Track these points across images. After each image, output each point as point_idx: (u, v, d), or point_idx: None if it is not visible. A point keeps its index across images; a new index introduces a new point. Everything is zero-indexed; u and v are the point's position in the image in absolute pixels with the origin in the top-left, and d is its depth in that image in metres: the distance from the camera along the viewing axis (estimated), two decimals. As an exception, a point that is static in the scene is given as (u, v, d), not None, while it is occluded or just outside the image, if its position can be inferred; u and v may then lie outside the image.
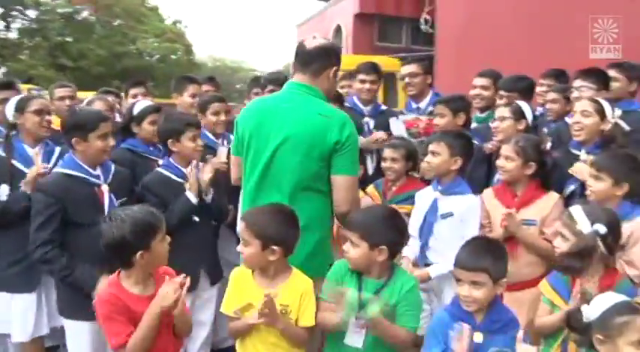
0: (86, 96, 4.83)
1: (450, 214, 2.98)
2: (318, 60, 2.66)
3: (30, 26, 25.71)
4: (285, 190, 2.58)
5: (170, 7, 64.18)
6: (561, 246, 2.32)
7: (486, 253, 2.19)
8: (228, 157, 3.44)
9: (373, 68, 4.55)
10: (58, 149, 3.34)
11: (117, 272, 2.25)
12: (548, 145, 3.52)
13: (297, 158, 2.57)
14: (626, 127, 3.20)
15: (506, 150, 3.00)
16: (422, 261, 3.08)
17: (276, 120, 2.62)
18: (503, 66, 4.72)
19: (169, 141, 3.20)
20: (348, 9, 18.52)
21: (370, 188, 3.57)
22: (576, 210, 2.32)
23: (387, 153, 3.51)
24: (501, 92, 3.97)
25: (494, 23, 7.43)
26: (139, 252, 2.13)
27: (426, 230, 3.05)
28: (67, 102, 4.22)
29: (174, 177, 3.21)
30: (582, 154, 3.14)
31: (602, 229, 2.22)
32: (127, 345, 2.11)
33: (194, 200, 3.11)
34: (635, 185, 2.64)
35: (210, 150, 3.61)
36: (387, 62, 11.24)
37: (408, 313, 2.29)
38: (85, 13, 26.58)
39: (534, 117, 3.71)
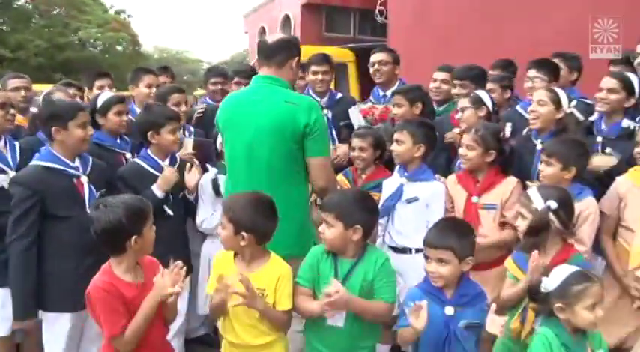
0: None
1: (415, 199, 3.14)
2: (280, 52, 2.86)
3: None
4: (264, 179, 2.76)
5: (111, -2, 61.76)
6: (521, 224, 2.53)
7: (452, 232, 2.35)
8: (194, 148, 3.58)
9: (325, 59, 4.62)
10: (17, 144, 3.29)
11: (108, 261, 2.28)
12: (508, 132, 3.72)
13: (271, 146, 2.76)
14: (580, 117, 3.44)
15: (467, 139, 3.14)
16: (389, 242, 3.24)
17: (246, 112, 2.83)
18: (451, 56, 4.91)
19: (149, 133, 3.25)
20: None
21: (339, 176, 3.65)
22: (532, 191, 2.55)
23: (355, 142, 3.58)
24: (455, 81, 4.17)
25: (444, 14, 7.66)
26: (134, 237, 2.17)
27: (384, 211, 3.19)
28: (23, 93, 4.15)
29: (150, 169, 3.26)
30: (538, 144, 3.34)
31: (553, 205, 2.44)
32: (125, 335, 2.16)
33: (160, 195, 3.16)
34: (581, 168, 2.87)
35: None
36: (338, 53, 11.36)
37: (385, 285, 2.43)
38: (21, 1, 25.53)
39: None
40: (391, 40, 8.53)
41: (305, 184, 2.90)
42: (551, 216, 2.44)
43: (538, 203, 2.48)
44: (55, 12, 26.03)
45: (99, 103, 3.48)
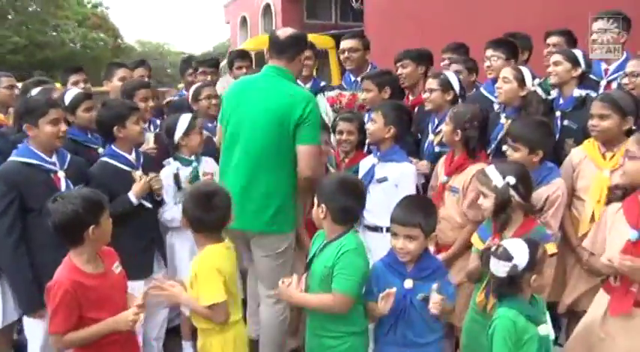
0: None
1: (385, 179, 3.25)
2: (291, 48, 3.16)
3: None
4: (253, 160, 3.06)
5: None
6: (484, 202, 2.59)
7: (419, 210, 2.46)
8: (156, 142, 3.67)
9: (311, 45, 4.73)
10: None
11: (68, 255, 2.34)
12: None
13: (264, 133, 3.05)
14: (543, 95, 3.54)
15: (445, 124, 3.21)
16: (363, 221, 3.32)
17: (253, 98, 3.14)
18: (426, 40, 4.98)
19: (115, 127, 3.24)
20: None
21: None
22: (489, 169, 2.61)
23: (343, 126, 3.62)
24: (396, 64, 4.27)
25: (423, 4, 7.69)
26: (91, 227, 2.24)
27: None
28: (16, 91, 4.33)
29: (120, 165, 3.27)
30: (502, 118, 3.49)
31: (512, 180, 2.51)
32: (65, 338, 2.25)
33: (135, 202, 3.20)
34: (547, 149, 2.93)
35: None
36: (318, 40, 11.35)
37: (339, 275, 2.39)
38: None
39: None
40: (367, 25, 8.57)
41: (286, 172, 3.07)
42: (511, 191, 2.51)
43: (497, 180, 2.54)
44: (31, 9, 25.59)
45: (67, 100, 3.50)
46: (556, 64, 3.52)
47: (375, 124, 3.31)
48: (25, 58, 23.89)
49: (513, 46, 3.97)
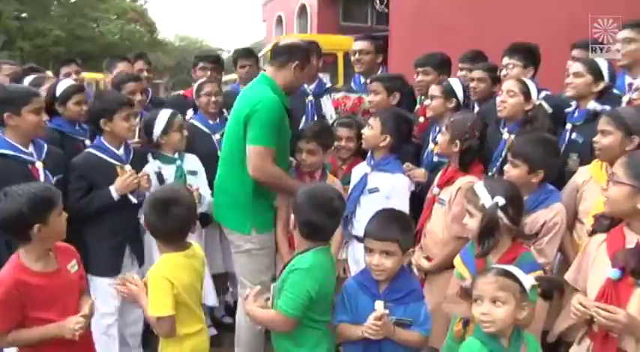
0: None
1: (376, 189, 3.06)
2: (283, 55, 3.12)
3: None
4: (222, 156, 3.23)
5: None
6: (469, 222, 2.34)
7: (395, 223, 2.27)
8: (140, 135, 3.56)
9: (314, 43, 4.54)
10: None
11: (16, 252, 2.23)
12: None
13: (229, 130, 3.15)
14: (549, 109, 3.27)
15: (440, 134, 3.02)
16: (353, 231, 3.18)
17: (236, 101, 3.18)
18: (451, 45, 4.74)
19: (102, 120, 3.16)
20: None
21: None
22: (478, 186, 2.36)
23: (342, 132, 3.42)
24: (417, 68, 4.01)
25: (444, 3, 7.46)
26: (37, 226, 2.12)
27: (351, 202, 3.13)
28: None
29: (106, 157, 3.18)
30: (504, 133, 3.20)
31: (501, 201, 2.24)
32: (8, 336, 2.15)
33: (116, 197, 3.09)
34: (550, 170, 2.65)
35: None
36: (349, 42, 11.17)
37: (285, 293, 2.25)
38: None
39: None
40: (392, 28, 8.32)
41: (240, 170, 3.02)
42: (500, 213, 2.25)
43: (485, 199, 2.28)
44: (73, 1, 26.23)
45: (58, 92, 3.43)
46: (576, 75, 3.16)
47: (371, 130, 3.14)
48: (65, 50, 24.50)
49: (532, 52, 3.66)
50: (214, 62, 4.64)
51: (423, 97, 4.01)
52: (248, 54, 4.90)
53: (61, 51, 24.03)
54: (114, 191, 3.08)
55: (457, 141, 2.83)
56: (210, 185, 3.41)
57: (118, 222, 3.16)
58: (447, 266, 2.67)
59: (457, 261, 2.45)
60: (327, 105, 4.10)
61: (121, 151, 3.22)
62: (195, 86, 4.09)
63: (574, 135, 3.15)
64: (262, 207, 3.08)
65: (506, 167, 2.68)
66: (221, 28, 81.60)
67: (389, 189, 3.04)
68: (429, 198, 2.99)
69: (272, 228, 3.11)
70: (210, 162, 3.46)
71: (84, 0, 26.16)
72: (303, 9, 19.40)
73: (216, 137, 3.86)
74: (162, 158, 3.40)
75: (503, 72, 3.67)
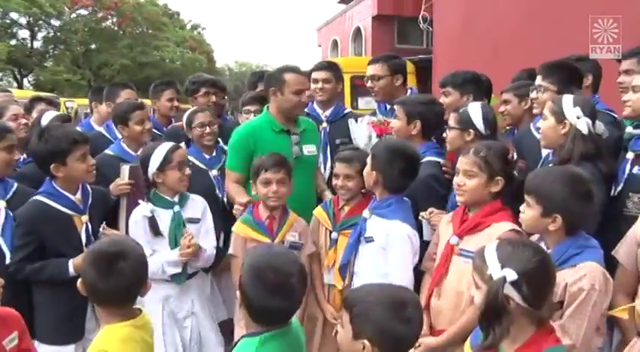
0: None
1: (371, 239, 2.57)
2: (265, 86, 3.40)
3: (55, 35, 26.07)
4: None
5: (190, 12, 64.85)
6: (475, 295, 1.75)
7: None
8: (131, 176, 3.08)
9: (327, 66, 4.13)
10: None
11: None
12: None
13: None
14: (598, 130, 2.59)
15: (465, 163, 2.40)
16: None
17: None
18: (501, 65, 4.31)
19: (52, 166, 2.68)
20: (367, 11, 18.33)
21: (318, 210, 3.03)
22: (489, 250, 1.73)
23: (339, 168, 2.87)
24: (444, 89, 3.44)
25: (492, 21, 6.95)
26: None
27: (346, 252, 2.69)
28: None
29: (59, 207, 2.70)
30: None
31: (511, 275, 1.63)
32: None
33: (72, 274, 2.62)
34: (572, 216, 2.01)
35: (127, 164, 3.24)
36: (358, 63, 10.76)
37: None
38: (108, 22, 26.85)
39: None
40: (436, 48, 7.88)
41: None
42: (510, 290, 1.64)
43: (493, 268, 1.68)
44: (137, 31, 27.18)
45: (43, 122, 3.30)
46: (636, 90, 2.57)
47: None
48: (128, 77, 25.37)
49: (570, 73, 3.02)
50: (215, 86, 4.22)
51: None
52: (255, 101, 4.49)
53: (124, 78, 24.95)
54: (71, 266, 2.63)
55: (497, 178, 2.35)
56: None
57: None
58: (463, 339, 2.05)
59: (466, 347, 1.87)
60: (359, 128, 3.52)
61: (77, 197, 2.76)
62: (185, 116, 3.63)
63: (636, 169, 2.52)
64: None
65: (522, 207, 2.12)
66: (278, 54, 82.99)
67: (383, 239, 2.52)
68: (444, 251, 2.43)
69: None
70: (209, 203, 3.12)
71: (147, 30, 27.03)
72: (357, 32, 19.28)
73: (213, 173, 3.49)
74: (158, 200, 2.95)
75: (533, 94, 3.08)
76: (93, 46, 26.37)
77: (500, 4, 6.81)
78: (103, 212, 2.89)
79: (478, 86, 3.42)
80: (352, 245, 2.65)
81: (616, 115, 3.03)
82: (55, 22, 25.79)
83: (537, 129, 2.98)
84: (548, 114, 2.58)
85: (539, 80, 3.04)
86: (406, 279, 2.43)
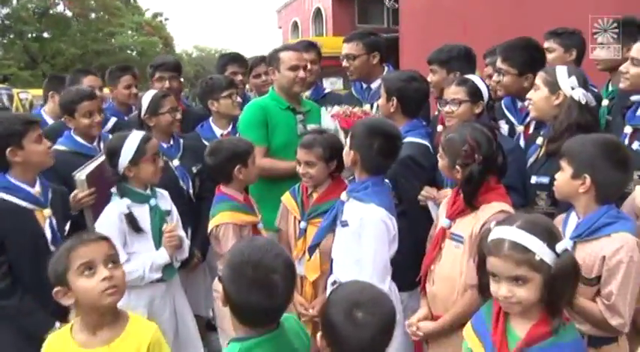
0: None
1: (346, 224, 2.40)
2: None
3: (3, 24, 25.00)
4: None
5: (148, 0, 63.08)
6: (519, 292, 1.56)
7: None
8: (90, 183, 2.76)
9: (311, 46, 3.99)
10: None
11: None
12: (504, 130, 2.95)
13: None
14: (589, 101, 2.46)
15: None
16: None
17: None
18: (471, 42, 4.17)
19: (8, 150, 2.39)
20: None
21: (286, 196, 2.87)
22: (524, 235, 1.56)
23: (300, 155, 2.72)
24: (430, 66, 3.30)
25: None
26: None
27: (318, 233, 2.55)
28: None
29: (18, 201, 2.41)
30: (538, 139, 2.58)
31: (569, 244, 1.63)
32: None
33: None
34: (601, 178, 1.91)
35: (84, 158, 2.96)
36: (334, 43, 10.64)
37: None
38: (59, 8, 25.93)
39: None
40: (403, 25, 7.72)
41: None
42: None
43: (541, 249, 1.54)
44: (91, 17, 26.30)
45: None
46: (635, 62, 2.47)
47: (344, 150, 2.49)
48: (82, 66, 24.51)
49: (532, 54, 2.89)
50: (174, 70, 3.94)
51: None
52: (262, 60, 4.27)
53: (78, 67, 24.05)
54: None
55: (457, 167, 2.17)
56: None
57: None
58: (461, 325, 1.94)
59: (467, 330, 1.77)
60: (326, 118, 3.25)
61: (36, 189, 2.48)
62: (147, 101, 3.22)
63: (636, 144, 2.42)
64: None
65: (557, 174, 2.05)
66: (238, 38, 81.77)
67: (357, 224, 2.33)
68: (437, 233, 2.31)
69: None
70: (172, 197, 2.87)
71: (98, 16, 26.13)
72: (318, 13, 19.23)
73: (174, 163, 3.22)
74: (132, 195, 2.65)
75: (495, 77, 3.00)
76: (45, 35, 25.41)
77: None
78: (63, 211, 2.63)
79: (466, 62, 3.26)
80: (325, 227, 2.49)
81: (596, 89, 2.98)
82: (3, 10, 24.72)
83: (507, 107, 2.99)
84: (541, 85, 2.47)
85: (499, 62, 2.93)
86: (378, 269, 2.28)
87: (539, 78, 2.50)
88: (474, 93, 2.67)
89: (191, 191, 3.25)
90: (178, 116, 3.27)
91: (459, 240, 2.16)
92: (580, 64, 3.19)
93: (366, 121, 2.55)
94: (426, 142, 2.84)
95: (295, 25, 21.17)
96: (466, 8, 6.69)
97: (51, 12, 25.53)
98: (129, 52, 27.12)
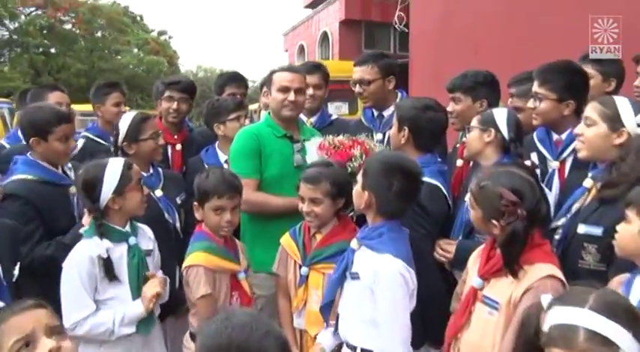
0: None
1: (357, 276, 2.06)
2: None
3: (10, 38, 24.97)
4: None
5: (155, 18, 63.92)
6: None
7: None
8: None
9: (316, 68, 3.65)
10: None
11: None
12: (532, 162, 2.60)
13: None
14: None
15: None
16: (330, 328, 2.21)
17: None
18: (483, 65, 3.89)
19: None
20: (334, 15, 18.31)
21: (285, 239, 2.54)
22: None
23: (304, 190, 2.38)
24: (452, 94, 2.97)
25: (472, 19, 6.59)
26: None
27: (329, 289, 2.19)
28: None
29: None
30: (586, 181, 2.17)
31: None
32: None
33: None
34: None
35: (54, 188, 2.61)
36: (343, 67, 10.42)
37: None
38: (67, 25, 25.93)
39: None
40: (413, 49, 7.47)
41: None
42: None
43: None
44: (97, 34, 26.29)
45: None
46: None
47: (355, 189, 2.15)
48: (87, 82, 24.42)
49: (573, 79, 2.58)
50: (187, 91, 3.60)
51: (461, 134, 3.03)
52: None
53: (82, 83, 23.99)
54: None
55: (494, 222, 1.80)
56: (164, 263, 2.51)
57: None
58: None
59: None
60: (313, 151, 2.85)
61: None
62: (122, 124, 2.86)
63: None
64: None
65: (618, 226, 1.70)
66: (244, 59, 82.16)
67: (370, 278, 2.00)
68: (466, 294, 1.93)
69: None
70: (157, 231, 2.53)
71: (107, 33, 26.09)
72: (325, 37, 19.25)
73: (157, 194, 2.86)
74: (110, 233, 2.26)
75: (529, 103, 2.64)
76: (52, 50, 25.38)
77: (482, 4, 6.47)
78: (11, 251, 2.20)
79: (492, 89, 2.95)
80: (336, 281, 2.12)
81: None
82: (11, 25, 24.71)
83: (540, 139, 2.62)
84: (598, 119, 2.10)
85: (535, 86, 2.59)
86: (398, 331, 1.95)
87: (594, 110, 2.12)
88: (487, 121, 2.44)
89: (177, 225, 2.89)
90: (161, 142, 2.92)
91: (493, 305, 1.79)
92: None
93: (381, 157, 2.21)
94: (436, 182, 2.49)
95: (302, 49, 21.15)
96: (477, 29, 6.47)
97: (58, 27, 25.50)
98: (134, 69, 27.08)
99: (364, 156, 2.56)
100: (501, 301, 1.76)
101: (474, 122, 2.49)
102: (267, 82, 3.06)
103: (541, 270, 1.71)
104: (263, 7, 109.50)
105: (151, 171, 2.92)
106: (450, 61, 6.20)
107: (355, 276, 2.04)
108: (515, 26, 5.97)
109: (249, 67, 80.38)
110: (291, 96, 2.90)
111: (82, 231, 2.32)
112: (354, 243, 2.10)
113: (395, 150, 2.59)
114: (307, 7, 21.31)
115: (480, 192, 1.83)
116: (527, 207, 1.73)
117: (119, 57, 26.36)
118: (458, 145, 2.98)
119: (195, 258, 2.33)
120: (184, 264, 2.34)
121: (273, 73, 3.02)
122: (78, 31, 25.89)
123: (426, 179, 2.38)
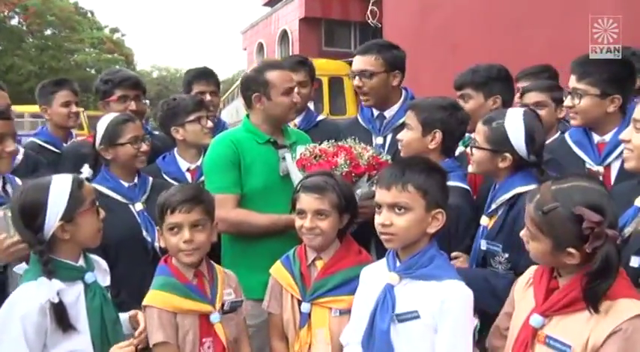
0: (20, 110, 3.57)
1: (415, 315, 1.69)
2: (243, 93, 2.67)
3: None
4: None
5: (106, 14, 62.27)
6: None
7: None
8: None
9: (301, 64, 3.25)
10: None
11: None
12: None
13: None
14: None
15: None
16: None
17: None
18: (461, 63, 3.67)
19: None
20: (294, 13, 18.25)
21: (277, 268, 2.13)
22: None
23: (306, 202, 2.01)
24: (461, 92, 2.69)
25: (450, 15, 6.42)
26: None
27: (378, 343, 1.74)
28: None
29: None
30: (638, 200, 1.79)
31: None
32: None
33: None
34: None
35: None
36: (334, 66, 10.22)
37: None
38: (13, 21, 24.82)
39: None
40: (387, 46, 7.29)
41: None
42: None
43: None
44: (47, 32, 25.28)
45: None
46: None
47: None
48: (37, 83, 23.47)
49: (618, 70, 2.30)
50: (138, 87, 3.17)
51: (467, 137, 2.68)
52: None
53: (32, 86, 23.07)
54: None
55: (570, 250, 1.46)
56: (139, 292, 2.03)
57: None
58: None
59: None
60: (291, 163, 2.51)
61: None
62: (105, 126, 2.53)
63: None
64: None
65: None
66: (201, 58, 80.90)
67: (436, 311, 1.66)
68: (522, 334, 1.56)
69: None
70: (133, 252, 2.18)
71: (58, 31, 25.13)
72: (284, 35, 19.09)
73: (136, 208, 2.48)
74: (61, 270, 1.80)
75: (567, 101, 2.34)
76: (-1, 48, 24.30)
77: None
78: None
79: (507, 85, 2.65)
80: (387, 332, 1.71)
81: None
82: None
83: (577, 142, 2.33)
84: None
85: (573, 81, 2.29)
86: None
87: None
88: (498, 141, 2.04)
89: (157, 244, 2.39)
90: (144, 147, 2.53)
91: (561, 349, 1.44)
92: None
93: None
94: (467, 187, 2.24)
95: (261, 47, 20.97)
96: (455, 26, 6.30)
97: (6, 24, 24.39)
98: (87, 69, 26.14)
99: (350, 165, 2.23)
100: (574, 344, 1.42)
101: (481, 137, 2.05)
102: (256, 85, 2.58)
103: (629, 308, 1.38)
104: (220, 4, 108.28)
105: (135, 180, 2.55)
106: (427, 58, 5.99)
107: (411, 316, 1.67)
108: (496, 24, 5.81)
109: (207, 65, 79.19)
110: (296, 97, 2.60)
111: (17, 270, 1.83)
112: (392, 278, 1.73)
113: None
114: (266, 4, 21.16)
115: (547, 219, 1.47)
116: (613, 221, 1.42)
117: (73, 56, 25.45)
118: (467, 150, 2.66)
119: (151, 297, 1.92)
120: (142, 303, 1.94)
121: (261, 73, 2.57)
122: (25, 28, 24.91)
123: (458, 184, 2.15)
